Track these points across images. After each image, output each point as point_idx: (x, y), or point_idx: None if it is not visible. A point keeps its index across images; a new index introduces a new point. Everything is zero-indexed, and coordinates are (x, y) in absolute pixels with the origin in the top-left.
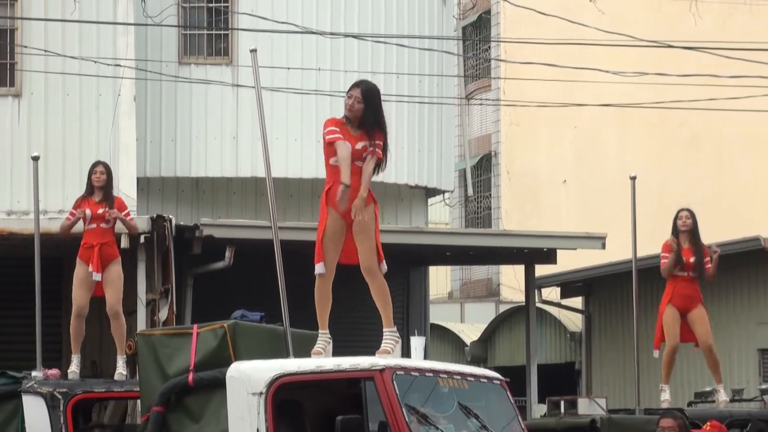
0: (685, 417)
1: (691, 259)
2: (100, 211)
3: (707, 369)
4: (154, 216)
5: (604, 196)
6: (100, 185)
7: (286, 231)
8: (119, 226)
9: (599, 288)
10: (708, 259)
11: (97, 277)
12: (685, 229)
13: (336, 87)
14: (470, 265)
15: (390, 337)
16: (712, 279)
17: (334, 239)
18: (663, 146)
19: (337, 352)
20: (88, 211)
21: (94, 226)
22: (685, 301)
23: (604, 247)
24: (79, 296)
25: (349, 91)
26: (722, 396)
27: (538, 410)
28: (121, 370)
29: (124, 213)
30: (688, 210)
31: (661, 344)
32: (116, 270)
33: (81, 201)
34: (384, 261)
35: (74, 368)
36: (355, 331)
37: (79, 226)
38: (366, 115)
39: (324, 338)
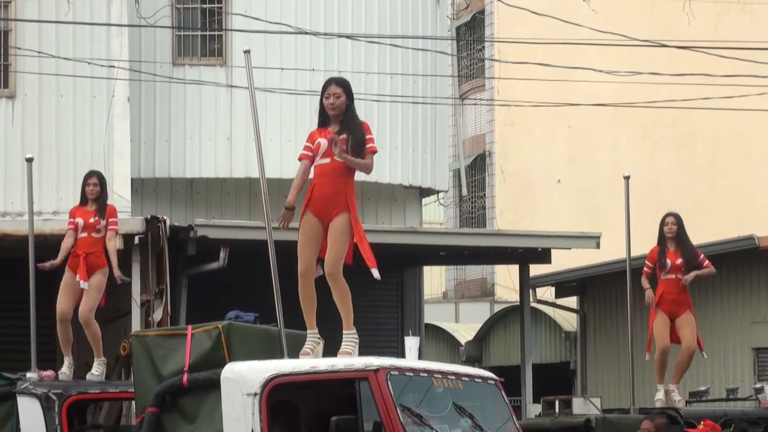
0: (680, 416)
1: (677, 261)
2: (92, 219)
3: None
4: (149, 217)
5: (598, 196)
6: (93, 197)
7: (280, 232)
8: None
9: (594, 287)
10: (703, 257)
11: (84, 285)
12: (671, 236)
13: None
14: (465, 264)
15: (349, 338)
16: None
17: (312, 239)
18: (656, 146)
19: (330, 353)
20: (80, 221)
21: (84, 234)
22: (673, 306)
23: (598, 246)
24: (61, 301)
25: (325, 92)
26: (676, 396)
27: (533, 410)
28: (93, 371)
29: (110, 222)
30: (674, 216)
31: (653, 349)
32: (98, 279)
33: (75, 210)
34: (376, 267)
35: (65, 369)
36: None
37: None
38: (349, 109)
39: (313, 338)
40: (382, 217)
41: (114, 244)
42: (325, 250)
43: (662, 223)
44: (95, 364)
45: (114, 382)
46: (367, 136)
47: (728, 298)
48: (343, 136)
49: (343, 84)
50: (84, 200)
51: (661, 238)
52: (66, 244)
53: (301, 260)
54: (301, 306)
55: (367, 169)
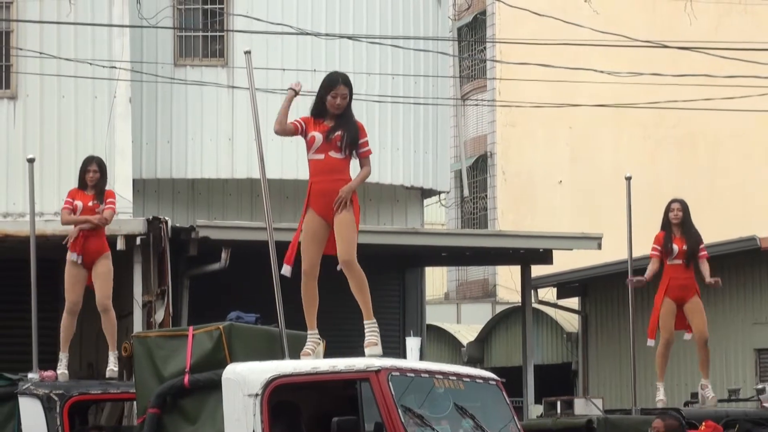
0: (682, 417)
1: (684, 247)
2: (91, 203)
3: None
4: (150, 218)
5: (599, 197)
6: (93, 184)
7: (281, 232)
8: (113, 225)
9: (595, 288)
10: (702, 245)
11: (76, 258)
12: (677, 222)
13: None
14: (466, 265)
15: (372, 329)
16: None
17: (316, 238)
18: (658, 146)
19: (331, 353)
20: (79, 203)
21: None
22: (681, 292)
23: (600, 247)
24: (70, 291)
25: (332, 90)
26: (709, 392)
27: (535, 411)
28: (112, 366)
29: (107, 202)
30: (680, 202)
31: (657, 335)
32: (105, 264)
33: (75, 192)
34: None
35: (63, 369)
36: (344, 330)
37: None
38: (348, 106)
39: (313, 339)
40: (384, 218)
41: (108, 215)
42: (330, 247)
43: (668, 209)
44: (111, 358)
45: (115, 383)
46: (363, 139)
47: (730, 299)
48: (338, 132)
49: (350, 84)
50: (83, 185)
51: (666, 224)
52: (69, 218)
53: (305, 259)
54: (303, 305)
55: (368, 176)
